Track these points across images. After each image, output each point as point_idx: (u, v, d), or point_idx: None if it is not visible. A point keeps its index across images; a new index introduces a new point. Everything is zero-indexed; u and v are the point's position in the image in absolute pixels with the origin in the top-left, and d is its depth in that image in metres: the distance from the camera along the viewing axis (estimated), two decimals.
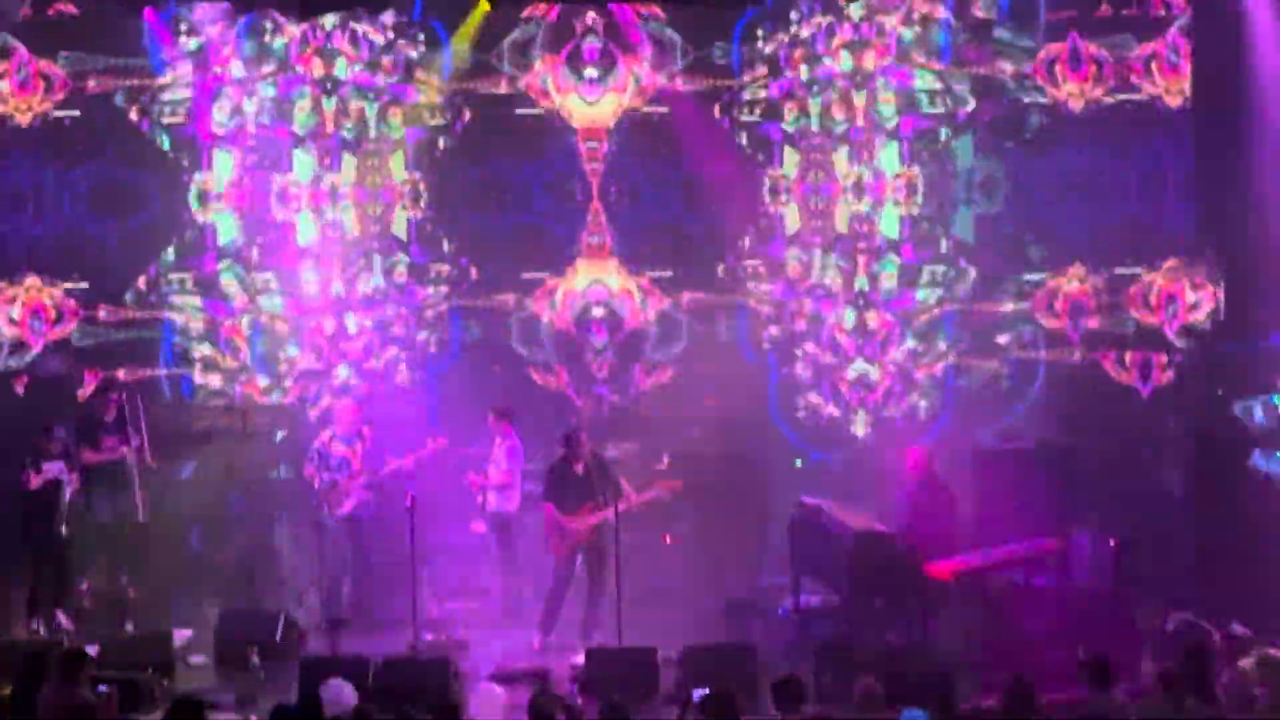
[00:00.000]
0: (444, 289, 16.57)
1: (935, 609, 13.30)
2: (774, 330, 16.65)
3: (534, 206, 16.63)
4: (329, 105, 16.40)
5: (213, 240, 16.34)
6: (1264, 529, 13.25)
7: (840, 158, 16.66)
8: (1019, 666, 11.43)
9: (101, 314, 16.17)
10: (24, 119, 16.07)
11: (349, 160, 16.49)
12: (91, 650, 11.75)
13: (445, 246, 16.59)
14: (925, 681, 11.47)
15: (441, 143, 16.58)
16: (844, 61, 16.58)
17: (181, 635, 13.32)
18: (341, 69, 16.39)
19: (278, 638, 13.22)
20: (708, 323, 16.58)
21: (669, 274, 16.65)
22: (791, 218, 16.78)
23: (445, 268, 16.56)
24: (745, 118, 16.72)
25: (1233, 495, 13.42)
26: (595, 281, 16.70)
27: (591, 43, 16.64)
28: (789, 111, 16.71)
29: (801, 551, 14.15)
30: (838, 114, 16.59)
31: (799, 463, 15.90)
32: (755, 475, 15.33)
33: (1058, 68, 16.32)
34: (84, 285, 16.16)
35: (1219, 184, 15.47)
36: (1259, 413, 13.55)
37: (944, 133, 16.50)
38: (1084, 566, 14.11)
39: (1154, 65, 16.17)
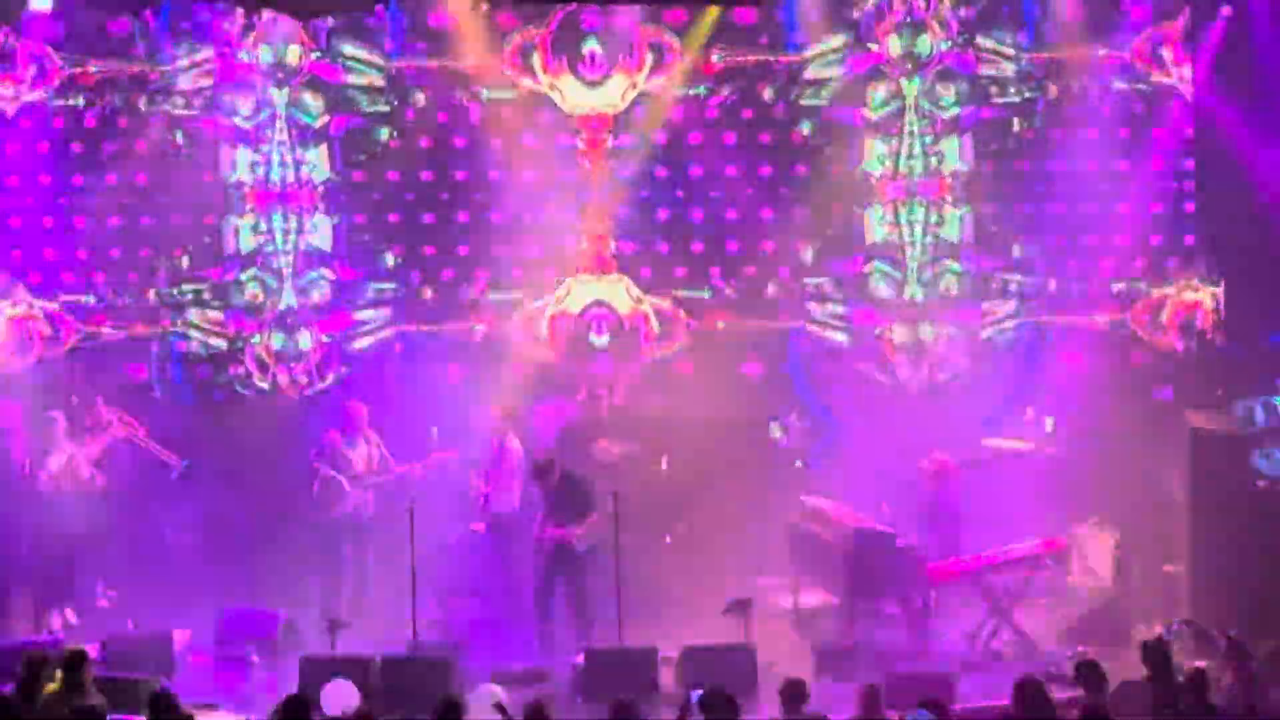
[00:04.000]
0: (385, 311, 15.39)
1: (935, 609, 13.32)
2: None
3: (515, 212, 15.36)
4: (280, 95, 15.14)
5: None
6: (1264, 529, 13.24)
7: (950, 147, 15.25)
8: (1018, 667, 11.48)
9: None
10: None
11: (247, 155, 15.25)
12: (91, 650, 11.74)
13: (390, 259, 15.27)
14: (925, 681, 11.49)
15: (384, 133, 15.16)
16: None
17: (181, 635, 13.33)
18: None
19: (277, 638, 13.24)
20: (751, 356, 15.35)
21: (698, 295, 15.43)
22: (873, 223, 15.41)
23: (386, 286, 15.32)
24: (809, 100, 15.22)
25: (1233, 495, 13.41)
26: (596, 302, 15.74)
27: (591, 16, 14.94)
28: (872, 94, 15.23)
29: (801, 551, 14.16)
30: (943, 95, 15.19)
31: (799, 463, 15.87)
32: (755, 475, 15.30)
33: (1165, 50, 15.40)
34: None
35: (1219, 183, 15.45)
36: (1259, 413, 13.54)
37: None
38: (1084, 566, 14.13)
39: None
